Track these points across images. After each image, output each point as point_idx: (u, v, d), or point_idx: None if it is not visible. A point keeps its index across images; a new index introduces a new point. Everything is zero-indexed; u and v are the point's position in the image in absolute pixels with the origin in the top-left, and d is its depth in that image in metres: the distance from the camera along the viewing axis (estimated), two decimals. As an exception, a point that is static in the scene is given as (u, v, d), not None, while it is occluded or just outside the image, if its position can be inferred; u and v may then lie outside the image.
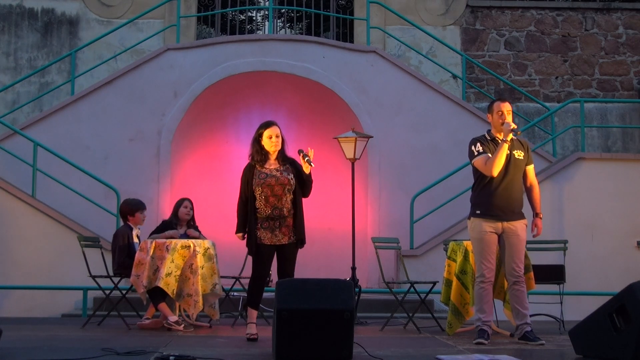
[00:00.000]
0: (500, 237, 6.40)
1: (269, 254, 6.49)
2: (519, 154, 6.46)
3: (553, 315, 8.08)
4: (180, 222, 8.04)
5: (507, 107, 6.48)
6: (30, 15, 13.58)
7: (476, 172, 6.51)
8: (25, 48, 13.52)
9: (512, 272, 6.40)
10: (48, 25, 13.58)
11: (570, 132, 13.31)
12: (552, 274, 7.76)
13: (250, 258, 6.66)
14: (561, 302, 7.80)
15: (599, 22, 13.98)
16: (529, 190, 6.56)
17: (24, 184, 10.31)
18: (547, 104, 13.03)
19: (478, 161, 6.43)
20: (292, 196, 6.47)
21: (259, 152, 6.56)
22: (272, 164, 6.54)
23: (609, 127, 13.54)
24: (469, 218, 6.49)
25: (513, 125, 6.34)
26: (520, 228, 6.40)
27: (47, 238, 9.96)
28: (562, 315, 7.75)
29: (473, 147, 6.47)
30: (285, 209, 6.45)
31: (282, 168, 6.52)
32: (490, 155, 6.37)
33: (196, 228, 8.09)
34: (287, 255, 6.50)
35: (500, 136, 6.44)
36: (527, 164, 6.52)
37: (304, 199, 6.61)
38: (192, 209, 8.10)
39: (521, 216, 6.44)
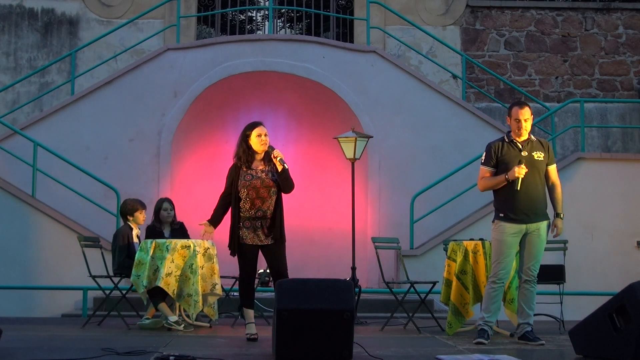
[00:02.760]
0: (522, 237, 6.40)
1: (252, 253, 6.50)
2: (538, 155, 6.43)
3: (553, 315, 8.07)
4: (163, 225, 7.98)
5: (524, 115, 6.39)
6: (30, 15, 13.58)
7: None
8: (25, 48, 13.51)
9: (527, 272, 6.41)
10: (48, 25, 13.58)
11: (570, 132, 13.31)
12: (552, 274, 7.75)
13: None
14: (561, 302, 7.79)
15: (599, 22, 13.98)
16: (551, 190, 6.53)
17: (24, 184, 10.31)
18: (547, 104, 13.02)
19: (480, 171, 6.52)
20: (276, 197, 6.50)
21: (245, 153, 6.55)
22: (258, 165, 6.55)
23: (609, 127, 13.54)
24: (493, 221, 6.49)
25: (519, 175, 6.25)
26: (542, 229, 6.40)
27: (47, 238, 9.96)
28: (562, 315, 7.74)
29: (484, 154, 6.53)
30: (269, 211, 6.48)
31: (267, 169, 6.53)
32: (494, 171, 6.39)
33: (183, 229, 8.04)
34: (274, 254, 6.51)
35: (518, 139, 6.43)
36: (548, 164, 6.50)
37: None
38: (173, 209, 8.02)
39: (545, 217, 6.42)
